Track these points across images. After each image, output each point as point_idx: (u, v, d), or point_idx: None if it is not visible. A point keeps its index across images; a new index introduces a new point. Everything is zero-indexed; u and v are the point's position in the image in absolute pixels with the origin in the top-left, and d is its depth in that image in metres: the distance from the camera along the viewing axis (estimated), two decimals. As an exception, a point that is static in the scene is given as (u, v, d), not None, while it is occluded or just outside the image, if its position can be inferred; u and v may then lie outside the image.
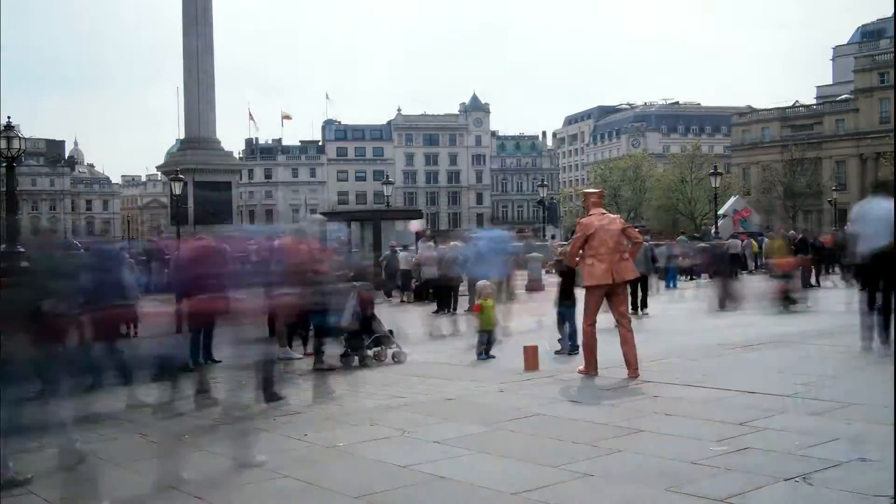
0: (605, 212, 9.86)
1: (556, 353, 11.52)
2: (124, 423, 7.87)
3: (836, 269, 25.76)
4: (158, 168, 45.95)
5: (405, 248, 25.62)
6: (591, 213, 9.73)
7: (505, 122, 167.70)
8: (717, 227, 42.02)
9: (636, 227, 12.02)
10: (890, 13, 74.93)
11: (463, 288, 18.11)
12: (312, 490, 5.56)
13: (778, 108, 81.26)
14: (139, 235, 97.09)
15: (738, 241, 33.13)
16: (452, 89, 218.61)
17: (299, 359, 11.48)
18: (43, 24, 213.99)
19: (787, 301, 16.75)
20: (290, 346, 11.83)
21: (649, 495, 5.11)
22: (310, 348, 11.36)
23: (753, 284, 20.91)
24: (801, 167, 71.35)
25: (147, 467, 6.22)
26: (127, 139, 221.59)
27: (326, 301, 9.41)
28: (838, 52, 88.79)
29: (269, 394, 8.39)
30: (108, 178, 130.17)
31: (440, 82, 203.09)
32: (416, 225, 21.29)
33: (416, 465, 5.96)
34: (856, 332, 10.44)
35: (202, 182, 34.66)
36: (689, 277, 29.85)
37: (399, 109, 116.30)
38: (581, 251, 9.62)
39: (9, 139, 21.97)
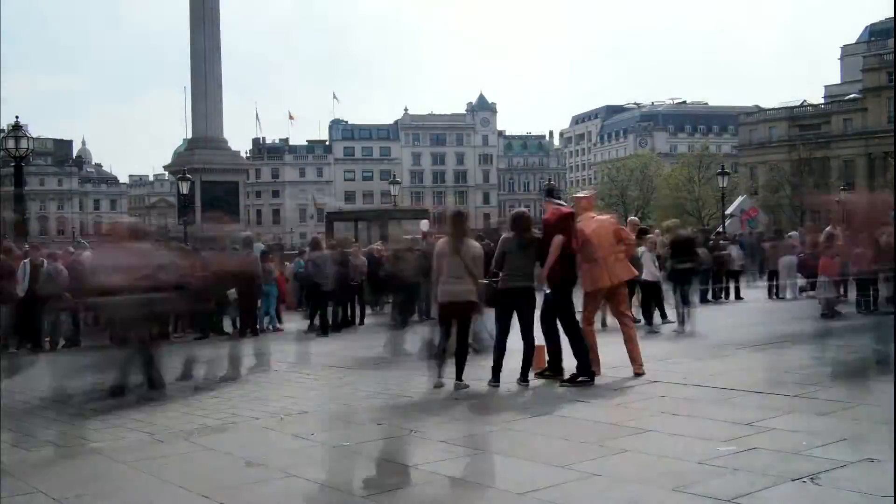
0: (594, 215, 9.88)
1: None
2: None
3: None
4: (166, 168, 45.97)
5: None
6: (581, 217, 9.61)
7: (512, 121, 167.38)
8: (724, 227, 41.91)
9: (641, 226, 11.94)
10: (897, 13, 74.61)
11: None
12: (319, 489, 5.56)
13: (786, 108, 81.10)
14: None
15: None
16: (459, 89, 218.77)
17: None
18: (51, 24, 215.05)
19: None
20: None
21: (656, 495, 5.10)
22: None
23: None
24: (809, 167, 71.08)
25: (152, 465, 6.24)
26: (134, 139, 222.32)
27: None
28: (846, 52, 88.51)
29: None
30: (115, 178, 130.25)
31: (447, 82, 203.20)
32: (425, 225, 21.20)
33: (422, 464, 5.95)
34: (865, 333, 10.40)
35: (209, 182, 34.72)
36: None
37: (406, 109, 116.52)
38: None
39: (17, 139, 22.08)
